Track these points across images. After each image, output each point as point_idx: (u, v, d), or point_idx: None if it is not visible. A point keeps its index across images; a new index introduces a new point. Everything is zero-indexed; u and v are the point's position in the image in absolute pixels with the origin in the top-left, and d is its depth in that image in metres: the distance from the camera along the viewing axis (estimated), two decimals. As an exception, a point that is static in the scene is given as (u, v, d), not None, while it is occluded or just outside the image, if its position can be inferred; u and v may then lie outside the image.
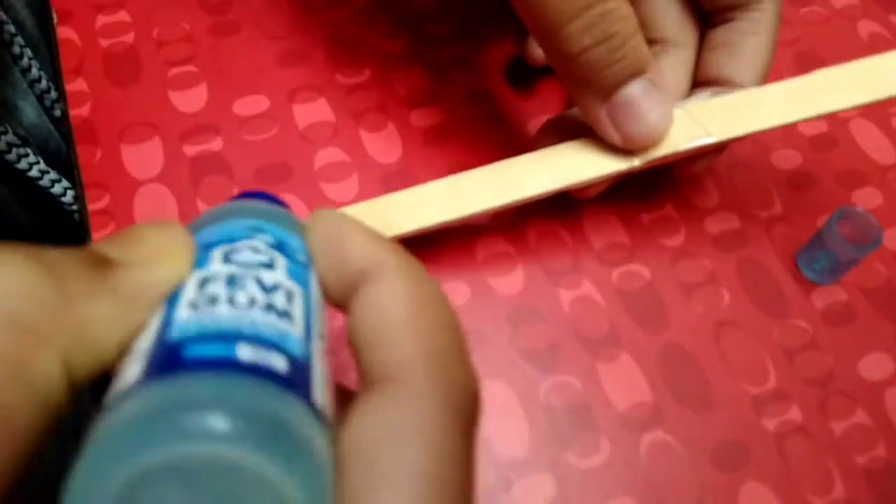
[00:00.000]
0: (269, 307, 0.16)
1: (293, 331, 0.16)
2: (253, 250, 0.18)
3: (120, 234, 0.17)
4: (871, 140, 0.38)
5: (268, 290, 0.17)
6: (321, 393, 0.15)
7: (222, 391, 0.13)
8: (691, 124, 0.30)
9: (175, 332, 0.15)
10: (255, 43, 0.38)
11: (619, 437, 0.30)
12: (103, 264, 0.16)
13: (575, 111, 0.33)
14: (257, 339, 0.15)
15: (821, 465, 0.30)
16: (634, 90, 0.28)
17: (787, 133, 0.38)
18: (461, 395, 0.16)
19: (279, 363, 0.15)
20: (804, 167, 0.37)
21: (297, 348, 0.16)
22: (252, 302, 0.16)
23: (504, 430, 0.30)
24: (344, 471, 0.14)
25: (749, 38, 0.31)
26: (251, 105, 0.36)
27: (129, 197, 0.34)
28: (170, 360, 0.14)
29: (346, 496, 0.14)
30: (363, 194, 0.34)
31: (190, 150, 0.35)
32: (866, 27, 0.42)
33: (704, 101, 0.31)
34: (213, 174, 0.34)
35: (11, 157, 0.41)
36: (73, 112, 0.36)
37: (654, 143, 0.29)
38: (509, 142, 0.36)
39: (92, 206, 0.33)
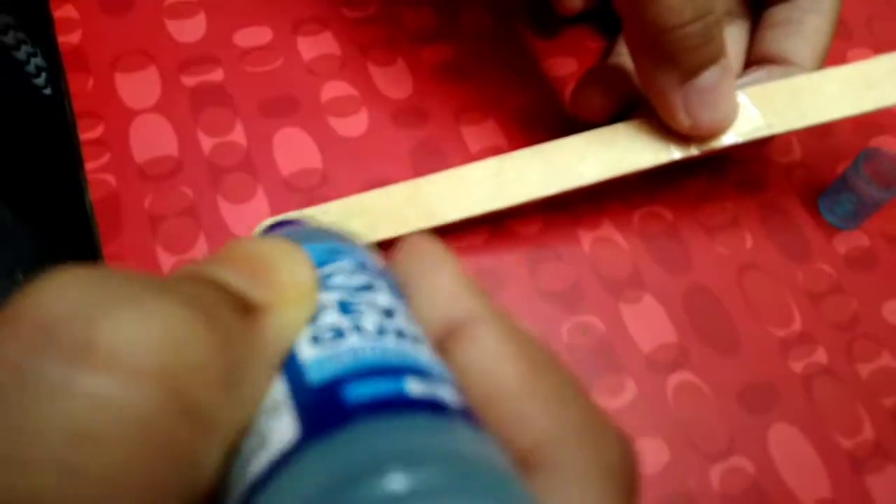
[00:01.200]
0: (400, 333, 0.13)
1: (434, 355, 0.13)
2: (345, 274, 0.15)
3: (244, 262, 0.13)
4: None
5: (387, 313, 0.14)
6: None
7: (414, 440, 0.11)
8: (753, 115, 0.29)
9: (316, 372, 0.12)
10: (257, -28, 0.36)
11: (644, 377, 0.29)
12: (247, 311, 0.12)
13: (616, 61, 0.32)
14: (418, 369, 0.12)
15: (848, 406, 0.29)
16: (714, 75, 0.27)
17: (803, 80, 0.37)
18: (620, 465, 0.13)
19: (446, 393, 0.12)
20: (821, 115, 0.36)
21: (447, 373, 0.13)
22: (381, 329, 0.13)
23: (526, 370, 0.29)
24: None
25: (811, 16, 0.30)
26: (253, 36, 0.34)
27: (124, 127, 0.31)
28: (330, 406, 0.11)
29: None
30: (373, 129, 0.33)
31: (189, 80, 0.33)
32: (879, -21, 0.42)
33: (762, 83, 0.29)
34: (215, 106, 0.32)
35: (40, 80, 0.38)
36: (61, 39, 0.33)
37: (721, 131, 0.28)
38: (524, 81, 0.35)
39: (84, 136, 0.31)
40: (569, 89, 0.35)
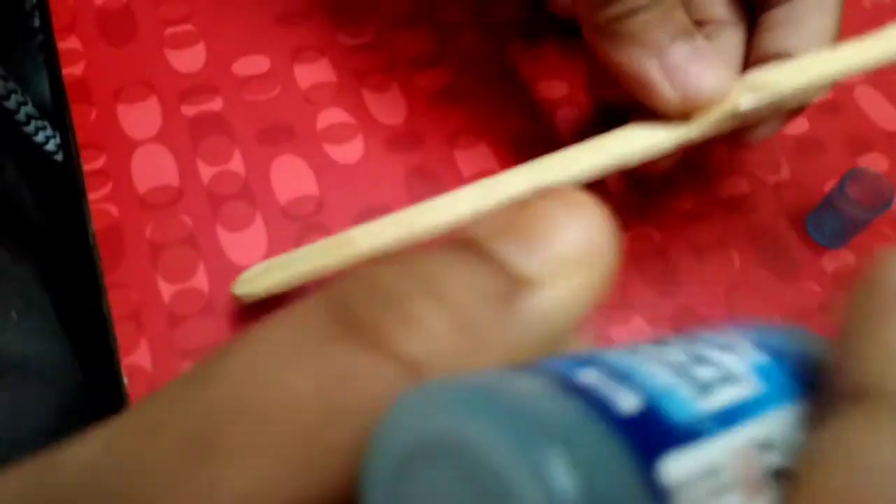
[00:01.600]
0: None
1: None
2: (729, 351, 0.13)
3: (517, 220, 0.12)
4: (875, 106, 0.38)
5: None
6: None
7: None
8: (746, 91, 0.27)
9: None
10: (255, 1, 0.37)
11: (633, 398, 0.30)
12: (510, 293, 0.11)
13: None
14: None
15: (834, 425, 0.30)
16: (683, 49, 0.26)
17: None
18: None
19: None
20: (810, 133, 0.37)
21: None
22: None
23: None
24: None
25: (815, 13, 0.29)
26: (251, 65, 0.35)
27: (126, 157, 0.32)
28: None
29: None
30: (368, 156, 0.33)
31: (189, 110, 0.34)
32: (869, -4, 0.42)
33: (762, 71, 0.28)
34: (214, 135, 0.33)
35: (30, 128, 0.39)
36: (65, 70, 0.34)
37: (712, 100, 0.27)
38: (517, 105, 0.36)
39: (87, 167, 0.32)
40: (561, 112, 0.36)
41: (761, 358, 0.13)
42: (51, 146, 0.41)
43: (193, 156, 0.33)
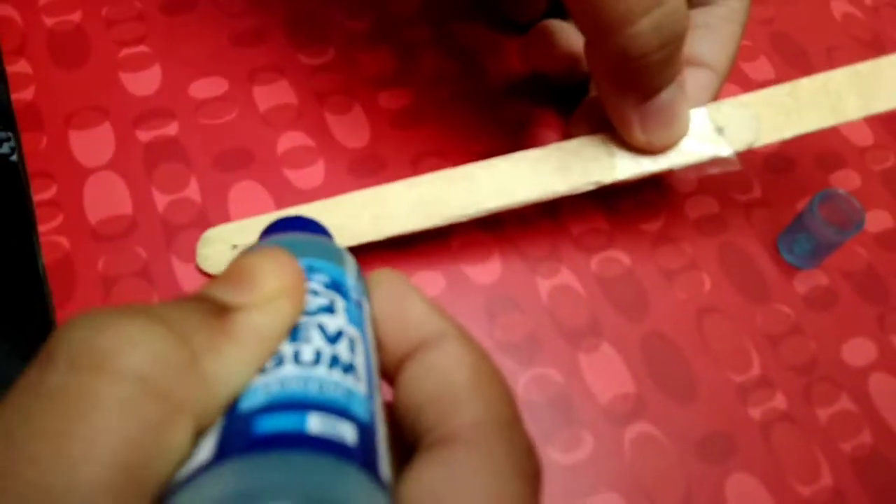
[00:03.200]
0: (335, 360, 0.16)
1: (359, 388, 0.16)
2: (312, 294, 0.17)
3: (230, 273, 0.16)
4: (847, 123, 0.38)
5: (331, 339, 0.16)
6: (385, 459, 0.15)
7: (291, 475, 0.13)
8: (712, 134, 0.29)
9: (245, 403, 0.14)
10: (212, 21, 0.36)
11: (602, 430, 0.29)
12: (221, 311, 0.15)
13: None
14: (326, 406, 0.14)
15: (807, 452, 0.29)
16: (672, 93, 0.27)
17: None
18: (527, 460, 0.16)
19: (348, 433, 0.14)
20: (782, 150, 0.36)
21: (363, 411, 0.15)
22: (318, 357, 0.15)
23: (483, 426, 0.29)
24: None
25: (725, 23, 0.30)
26: (208, 87, 0.34)
27: (78, 186, 0.31)
28: (240, 436, 0.14)
29: None
30: (330, 181, 0.33)
31: (143, 135, 0.33)
32: (839, 7, 0.42)
33: (717, 103, 0.30)
34: (169, 161, 0.32)
35: None
36: (14, 96, 0.33)
37: (674, 144, 0.29)
38: (484, 123, 0.35)
39: (38, 197, 0.31)
40: (529, 132, 0.35)
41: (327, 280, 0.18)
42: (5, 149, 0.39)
43: (148, 183, 0.32)
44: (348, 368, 0.16)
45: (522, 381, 0.29)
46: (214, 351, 0.14)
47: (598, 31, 0.25)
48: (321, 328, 0.16)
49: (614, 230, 0.33)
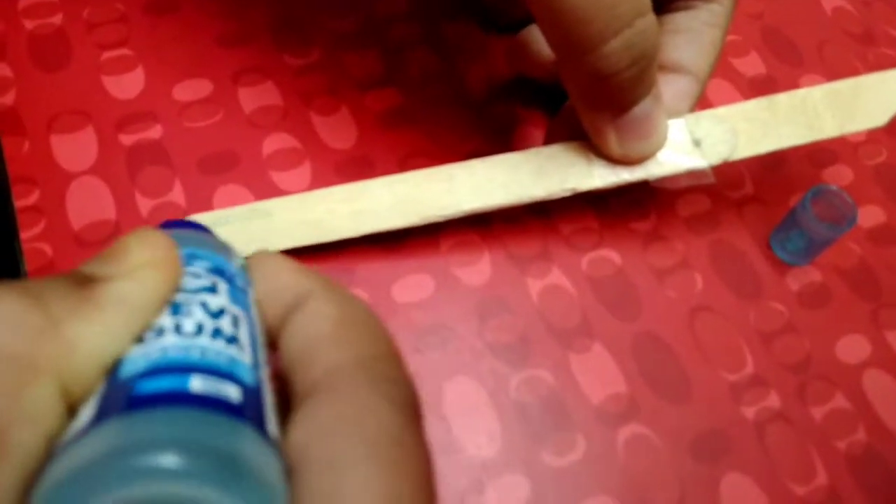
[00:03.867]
0: (217, 332, 0.16)
1: (242, 357, 0.16)
2: (194, 276, 0.18)
3: (105, 251, 0.17)
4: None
5: (214, 315, 0.16)
6: (272, 421, 0.15)
7: (175, 427, 0.13)
8: (689, 146, 0.29)
9: (125, 370, 0.14)
10: (195, 22, 0.35)
11: (594, 432, 0.29)
12: (87, 282, 0.15)
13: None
14: (208, 369, 0.15)
15: (802, 452, 0.29)
16: (647, 106, 0.27)
17: (754, 110, 0.37)
18: (395, 388, 0.16)
19: (232, 392, 0.14)
20: (773, 145, 0.36)
21: (247, 375, 0.15)
22: (199, 329, 0.16)
23: (474, 430, 0.28)
24: (297, 481, 0.14)
25: (709, 28, 0.30)
26: (192, 89, 0.34)
27: (60, 192, 0.31)
28: (120, 398, 0.14)
29: (309, 501, 0.13)
30: (316, 183, 0.32)
31: (126, 139, 0.32)
32: (830, 1, 0.41)
33: (695, 115, 0.30)
34: (153, 165, 0.32)
35: None
36: (-5, 100, 0.33)
37: (651, 156, 0.29)
38: (472, 124, 0.34)
39: (20, 203, 0.30)
40: (517, 132, 0.35)
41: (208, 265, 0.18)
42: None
43: (131, 188, 0.31)
44: (231, 340, 0.16)
45: (514, 383, 0.29)
46: (76, 315, 0.14)
47: (570, 52, 0.26)
48: (203, 305, 0.16)
49: (605, 229, 0.33)
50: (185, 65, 0.34)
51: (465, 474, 0.27)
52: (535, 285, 0.31)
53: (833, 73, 0.38)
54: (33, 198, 0.31)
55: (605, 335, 0.30)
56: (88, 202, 0.31)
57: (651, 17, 0.25)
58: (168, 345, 0.15)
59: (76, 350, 0.14)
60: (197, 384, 0.14)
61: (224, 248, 0.20)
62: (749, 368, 0.30)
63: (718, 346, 0.31)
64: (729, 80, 0.38)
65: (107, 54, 0.34)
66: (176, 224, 0.22)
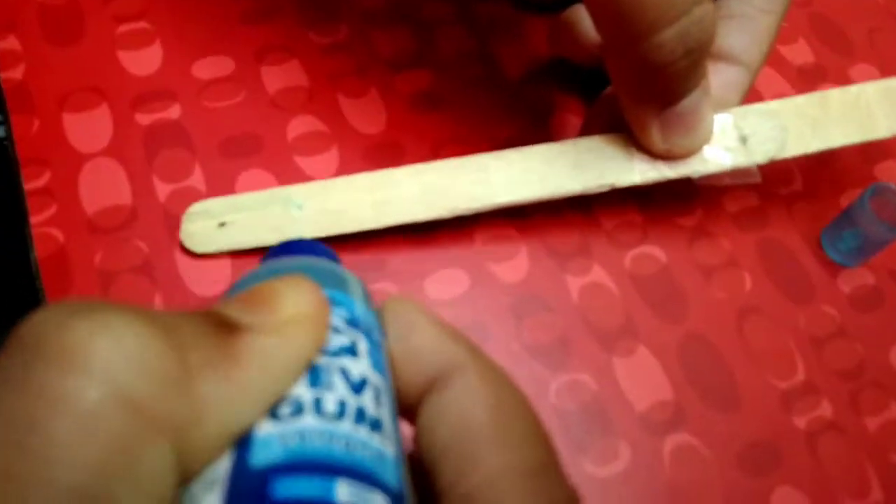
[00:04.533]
0: (361, 415, 0.14)
1: (388, 449, 0.14)
2: (333, 331, 0.15)
3: (250, 294, 0.14)
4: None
5: (356, 388, 0.14)
6: None
7: None
8: (735, 143, 0.28)
9: (258, 456, 0.12)
10: (216, -4, 0.33)
11: (639, 440, 0.27)
12: (230, 330, 0.13)
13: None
14: (355, 471, 0.13)
15: (855, 464, 0.28)
16: (695, 99, 0.26)
17: (803, 101, 0.35)
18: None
19: (377, 500, 0.13)
20: (822, 138, 0.34)
21: (393, 477, 0.13)
22: (342, 409, 0.14)
23: (512, 436, 0.27)
24: None
25: (764, 15, 0.28)
26: (213, 67, 0.32)
27: (72, 174, 0.29)
28: (254, 496, 0.12)
29: None
30: (344, 169, 0.30)
31: (143, 118, 0.30)
32: (880, -13, 0.39)
33: (742, 109, 0.28)
34: (171, 147, 0.30)
35: None
36: (3, 75, 0.31)
37: (696, 151, 0.27)
38: (507, 108, 0.33)
39: (29, 185, 0.29)
40: (554, 119, 0.33)
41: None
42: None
43: (148, 171, 0.29)
44: (375, 425, 0.14)
45: (553, 388, 0.27)
46: (213, 370, 0.12)
47: (621, 39, 0.24)
48: (344, 373, 0.14)
49: (649, 224, 0.31)
50: (205, 41, 0.32)
51: (502, 484, 0.26)
52: (575, 283, 0.29)
53: (884, 62, 0.37)
54: (44, 180, 0.29)
55: (649, 337, 0.29)
56: (102, 185, 0.29)
57: (709, 5, 0.23)
58: (308, 429, 0.13)
59: (206, 412, 0.12)
60: (343, 494, 0.12)
61: (353, 284, 0.17)
62: (800, 375, 0.29)
63: (768, 351, 0.29)
64: (776, 69, 0.36)
65: (123, 27, 0.32)
66: (296, 247, 0.19)
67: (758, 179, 0.32)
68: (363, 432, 0.13)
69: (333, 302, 0.16)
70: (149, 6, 0.33)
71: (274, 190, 0.28)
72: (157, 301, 0.27)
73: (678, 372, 0.28)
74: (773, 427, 0.28)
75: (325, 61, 0.33)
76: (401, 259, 0.29)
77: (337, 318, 0.15)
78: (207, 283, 0.27)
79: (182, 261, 0.28)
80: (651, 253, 0.30)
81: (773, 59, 0.36)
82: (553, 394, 0.27)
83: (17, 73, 0.31)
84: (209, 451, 0.12)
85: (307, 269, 0.17)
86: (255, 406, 0.13)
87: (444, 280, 0.29)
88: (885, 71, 0.36)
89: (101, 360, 0.11)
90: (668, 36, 0.23)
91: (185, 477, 0.12)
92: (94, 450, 0.10)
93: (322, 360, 0.14)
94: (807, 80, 0.36)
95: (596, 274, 0.30)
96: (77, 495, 0.10)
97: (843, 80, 0.36)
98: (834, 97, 0.28)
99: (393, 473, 0.14)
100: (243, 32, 0.33)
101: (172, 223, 0.28)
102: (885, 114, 0.28)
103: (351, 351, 0.15)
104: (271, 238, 0.28)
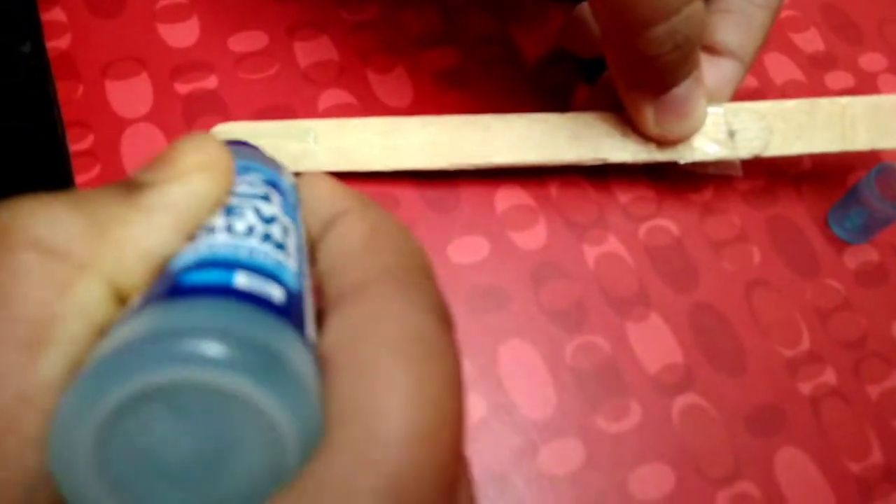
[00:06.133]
0: (267, 237, 0.16)
1: (289, 263, 0.16)
2: (248, 184, 0.18)
3: (156, 157, 0.17)
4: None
5: (265, 220, 0.17)
6: (311, 328, 0.15)
7: (219, 318, 0.13)
8: (724, 136, 0.30)
9: (176, 262, 0.15)
10: (252, -26, 0.35)
11: (650, 400, 0.28)
12: (136, 187, 0.15)
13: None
14: (254, 268, 0.15)
15: (857, 429, 0.29)
16: (687, 87, 0.28)
17: (813, 88, 0.36)
18: (422, 295, 0.15)
19: (276, 293, 0.14)
20: (831, 122, 0.36)
21: (292, 280, 0.15)
22: (250, 230, 0.16)
23: (529, 393, 0.28)
24: (327, 384, 0.13)
25: (759, 10, 0.29)
26: (248, 41, 0.33)
27: (115, 137, 0.30)
28: (167, 287, 0.14)
29: (337, 403, 0.13)
30: (372, 140, 0.32)
31: (182, 87, 0.32)
32: (891, -20, 0.41)
33: (736, 106, 0.30)
34: (209, 114, 0.31)
35: None
36: (49, 44, 0.32)
37: (687, 137, 0.29)
38: (529, 87, 0.34)
39: (74, 147, 0.30)
40: (572, 97, 0.34)
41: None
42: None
43: (187, 137, 0.31)
44: (280, 246, 0.16)
45: (570, 349, 0.29)
46: (123, 219, 0.15)
47: (618, 32, 0.26)
48: (256, 210, 0.17)
49: (662, 199, 0.32)
50: (240, 16, 0.34)
51: (519, 435, 0.27)
52: (591, 252, 0.31)
53: (893, 51, 0.38)
54: (87, 142, 0.30)
55: (661, 305, 0.30)
56: (143, 149, 0.30)
57: (698, 5, 0.25)
58: (218, 242, 0.15)
59: (123, 250, 0.14)
60: (242, 280, 0.14)
61: (277, 166, 0.20)
62: (805, 344, 0.30)
63: (775, 321, 0.30)
64: (788, 55, 0.37)
65: (162, 2, 0.34)
66: (229, 143, 0.22)
67: (739, 173, 0.33)
68: (267, 248, 0.16)
69: (251, 168, 0.19)
70: (188, -18, 0.34)
71: (293, 122, 0.30)
72: (195, 258, 0.28)
73: (688, 338, 0.30)
74: (779, 392, 0.29)
75: (355, 37, 0.34)
76: (425, 225, 0.30)
77: (254, 177, 0.18)
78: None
79: (218, 221, 0.29)
80: (664, 226, 0.32)
81: (784, 45, 0.37)
82: (569, 354, 0.29)
83: (62, 43, 0.32)
84: (139, 279, 0.15)
85: (233, 149, 0.19)
86: (169, 240, 0.15)
87: (466, 246, 0.30)
88: (894, 60, 0.38)
89: (24, 232, 0.14)
90: (658, 32, 0.25)
91: (125, 302, 0.15)
92: (34, 292, 0.13)
93: (237, 201, 0.17)
94: (817, 67, 0.37)
95: (611, 244, 0.31)
96: (31, 324, 0.13)
97: (853, 68, 0.37)
98: (823, 106, 0.30)
99: (292, 280, 0.15)
100: (276, 9, 0.34)
101: (209, 186, 0.30)
102: (867, 128, 0.30)
103: (264, 198, 0.17)
104: (287, 165, 0.29)
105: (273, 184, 0.19)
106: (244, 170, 0.19)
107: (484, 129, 0.30)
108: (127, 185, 0.16)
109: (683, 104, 0.28)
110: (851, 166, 0.34)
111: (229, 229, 0.16)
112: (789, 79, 0.36)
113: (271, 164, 0.20)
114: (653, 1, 0.24)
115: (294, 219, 0.18)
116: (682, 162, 0.29)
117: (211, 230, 0.16)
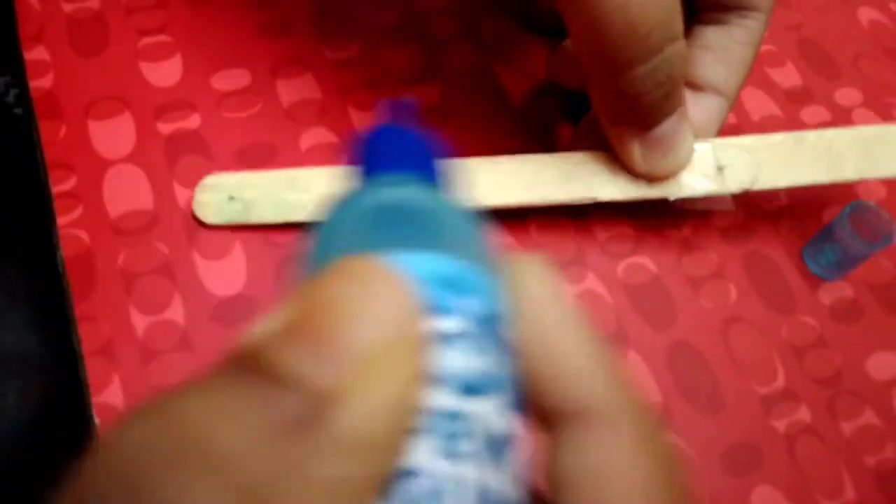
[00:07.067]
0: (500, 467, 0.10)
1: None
2: (463, 354, 0.11)
3: (299, 313, 0.10)
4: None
5: (496, 448, 0.11)
6: None
7: None
8: (712, 171, 0.30)
9: None
10: (235, 11, 0.35)
11: (627, 439, 0.29)
12: (301, 420, 0.09)
13: None
14: None
15: (831, 466, 0.29)
16: (672, 124, 0.28)
17: (789, 123, 0.37)
18: None
19: None
20: (807, 157, 0.36)
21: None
22: (483, 497, 0.10)
23: (508, 434, 0.28)
24: None
25: (741, 47, 0.30)
26: (231, 79, 0.34)
27: (97, 178, 0.31)
28: None
29: None
30: (354, 179, 0.32)
31: (164, 127, 0.32)
32: (866, 14, 0.41)
33: (723, 141, 0.30)
34: (191, 154, 0.32)
35: None
36: (32, 83, 0.32)
37: (675, 173, 0.29)
38: (512, 122, 0.34)
39: (56, 188, 0.30)
40: (556, 133, 0.35)
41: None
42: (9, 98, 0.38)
43: (169, 177, 0.31)
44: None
45: (548, 389, 0.29)
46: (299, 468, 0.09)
47: (599, 71, 0.26)
48: (484, 428, 0.10)
49: (640, 236, 0.33)
50: (223, 54, 0.34)
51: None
52: (570, 290, 0.31)
53: (869, 86, 0.38)
54: (70, 183, 0.30)
55: (639, 343, 0.30)
56: (126, 190, 0.31)
57: (680, 44, 0.25)
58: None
59: None
60: None
61: (480, 240, 0.13)
62: (780, 381, 0.31)
63: (751, 358, 0.31)
64: (765, 90, 0.38)
65: (145, 40, 0.34)
66: (398, 154, 0.14)
67: (731, 208, 0.34)
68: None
69: (452, 285, 0.11)
70: (170, 20, 0.34)
71: (281, 171, 0.30)
72: (177, 300, 0.29)
73: (666, 376, 0.30)
74: (755, 430, 0.30)
75: (338, 75, 0.34)
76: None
77: (475, 314, 0.11)
78: (225, 283, 0.29)
79: (200, 262, 0.29)
80: (642, 263, 0.32)
81: (761, 81, 0.38)
82: (548, 394, 0.29)
83: (45, 83, 0.32)
84: None
85: (407, 232, 0.13)
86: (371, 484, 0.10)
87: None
88: (869, 94, 0.38)
89: None
90: (640, 72, 0.25)
91: None
92: None
93: (456, 402, 0.10)
94: (794, 101, 0.37)
95: (590, 282, 0.31)
96: None
97: (829, 102, 0.38)
98: (810, 139, 0.31)
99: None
100: (260, 47, 0.34)
101: (191, 226, 0.30)
102: (855, 160, 0.30)
103: (495, 386, 0.11)
104: (276, 216, 0.30)
105: (489, 320, 0.12)
106: (443, 287, 0.11)
107: (469, 172, 0.30)
108: (303, 395, 0.09)
109: (669, 140, 0.28)
110: (826, 203, 0.35)
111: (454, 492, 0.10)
112: (766, 114, 0.37)
113: (477, 247, 0.13)
114: (634, 41, 0.24)
115: (510, 382, 0.12)
116: (671, 198, 0.30)
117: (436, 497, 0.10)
